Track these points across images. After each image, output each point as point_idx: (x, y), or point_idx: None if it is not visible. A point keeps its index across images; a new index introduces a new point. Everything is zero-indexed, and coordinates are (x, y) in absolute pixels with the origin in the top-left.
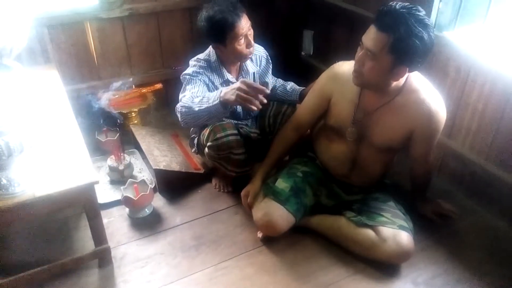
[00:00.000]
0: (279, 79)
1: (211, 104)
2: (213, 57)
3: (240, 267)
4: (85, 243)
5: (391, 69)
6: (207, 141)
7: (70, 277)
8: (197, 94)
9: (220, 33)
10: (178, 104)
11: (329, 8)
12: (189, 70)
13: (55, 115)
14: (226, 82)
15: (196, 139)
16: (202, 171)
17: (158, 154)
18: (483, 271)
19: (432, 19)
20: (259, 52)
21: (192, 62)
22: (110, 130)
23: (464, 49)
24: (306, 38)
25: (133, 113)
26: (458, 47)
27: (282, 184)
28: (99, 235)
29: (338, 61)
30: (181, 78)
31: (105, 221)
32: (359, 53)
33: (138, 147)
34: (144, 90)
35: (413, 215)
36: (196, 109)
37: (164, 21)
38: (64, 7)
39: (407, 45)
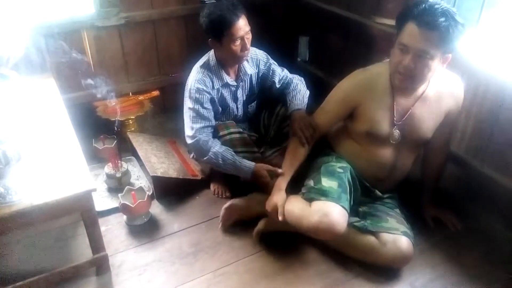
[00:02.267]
0: (287, 79)
1: (239, 173)
2: (213, 61)
3: (238, 273)
4: (83, 251)
5: (442, 60)
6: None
7: (68, 285)
8: (205, 128)
9: (217, 30)
10: (199, 145)
11: (324, 14)
12: (194, 87)
13: (52, 123)
14: (226, 86)
15: None
16: (199, 177)
17: (156, 161)
18: (480, 274)
19: None
20: (257, 55)
21: (194, 74)
22: (107, 138)
23: (457, 53)
24: (302, 44)
25: (130, 121)
26: (460, 30)
27: (328, 183)
28: (96, 243)
29: (336, 66)
30: (188, 94)
31: (102, 228)
32: (405, 57)
33: (135, 154)
34: (141, 97)
35: (413, 219)
36: (224, 168)
37: (160, 28)
38: (61, 16)
39: (457, 34)
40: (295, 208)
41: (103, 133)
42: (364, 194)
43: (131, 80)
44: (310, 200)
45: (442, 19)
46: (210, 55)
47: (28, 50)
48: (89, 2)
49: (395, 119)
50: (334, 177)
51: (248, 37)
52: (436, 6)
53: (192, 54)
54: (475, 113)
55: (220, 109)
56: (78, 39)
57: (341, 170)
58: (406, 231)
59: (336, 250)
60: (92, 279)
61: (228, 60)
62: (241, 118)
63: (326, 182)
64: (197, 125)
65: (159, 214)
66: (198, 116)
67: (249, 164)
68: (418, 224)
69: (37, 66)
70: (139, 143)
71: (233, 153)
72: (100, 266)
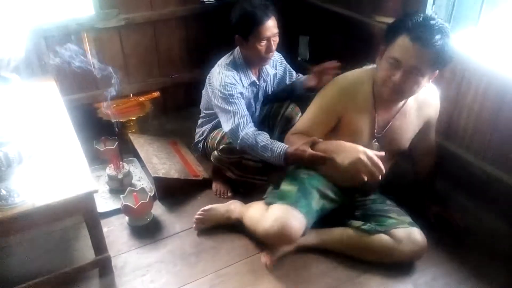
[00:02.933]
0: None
1: (273, 156)
2: (239, 60)
3: (240, 274)
4: (85, 252)
5: (430, 77)
6: (219, 144)
7: (70, 287)
8: (244, 116)
9: (245, 27)
10: (238, 132)
11: (323, 14)
12: (223, 83)
13: (54, 125)
14: (252, 85)
15: (201, 143)
16: (201, 178)
17: (157, 162)
18: (483, 272)
19: None
20: (274, 56)
21: (222, 71)
22: (109, 139)
23: (458, 51)
24: (302, 43)
25: (131, 122)
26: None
27: (287, 186)
28: (99, 244)
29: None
30: (218, 93)
31: (105, 230)
32: (396, 72)
33: (136, 155)
34: (141, 98)
35: (415, 219)
36: (259, 152)
37: (160, 30)
38: (61, 17)
39: (450, 54)
40: (254, 213)
41: (104, 134)
42: (348, 200)
43: (131, 81)
44: (268, 204)
45: (438, 36)
46: (235, 54)
47: (28, 52)
48: (89, 4)
49: (375, 131)
50: (296, 181)
51: (275, 40)
52: (432, 22)
53: (192, 55)
54: (476, 112)
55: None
56: (78, 40)
57: (305, 176)
58: (411, 221)
59: (353, 257)
60: (95, 281)
61: (252, 60)
62: (255, 119)
63: (286, 186)
64: (236, 117)
65: (161, 215)
66: (235, 108)
67: (281, 145)
68: (420, 223)
69: (37, 68)
70: (140, 144)
71: (267, 137)
72: (102, 267)
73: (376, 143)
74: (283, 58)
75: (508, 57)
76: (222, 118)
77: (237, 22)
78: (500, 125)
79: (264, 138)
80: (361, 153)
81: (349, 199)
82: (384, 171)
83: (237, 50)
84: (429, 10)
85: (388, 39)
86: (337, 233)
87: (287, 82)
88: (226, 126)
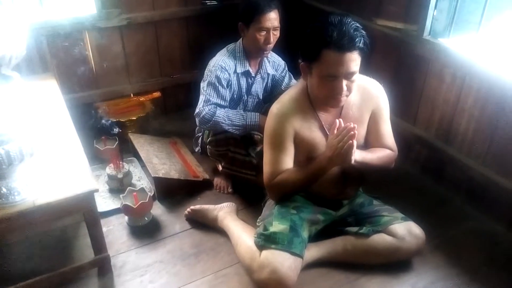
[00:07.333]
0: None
1: (248, 120)
2: (239, 48)
3: (239, 275)
4: (85, 251)
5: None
6: (207, 137)
7: (69, 286)
8: (211, 102)
9: (248, 14)
10: (207, 110)
11: (322, 15)
12: (216, 66)
13: (55, 124)
14: (245, 74)
15: (200, 138)
16: (200, 178)
17: (157, 162)
18: (482, 276)
19: (427, 26)
20: (278, 60)
21: (220, 55)
22: (109, 139)
23: (459, 55)
24: None
25: (131, 122)
26: (454, 53)
27: (279, 226)
28: (98, 243)
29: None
30: (209, 72)
31: (104, 229)
32: (335, 83)
33: (136, 155)
34: (142, 98)
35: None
36: (233, 123)
37: (161, 30)
38: (63, 16)
39: (368, 40)
40: (244, 253)
41: (105, 134)
42: (336, 208)
43: (132, 81)
44: (260, 247)
45: (357, 34)
46: (237, 43)
47: (30, 51)
48: (91, 3)
49: (329, 134)
50: (286, 219)
51: (275, 34)
52: (345, 26)
53: (193, 56)
54: (476, 116)
55: (235, 97)
56: (80, 39)
57: (294, 211)
58: (403, 216)
59: (355, 263)
60: (93, 280)
61: (251, 50)
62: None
63: (277, 226)
64: (211, 99)
65: (160, 215)
66: (215, 92)
67: (254, 115)
68: (412, 218)
69: (38, 67)
70: (141, 144)
71: (233, 111)
72: (102, 267)
73: None
74: (286, 66)
75: (510, 63)
76: (200, 99)
77: (242, 9)
78: (500, 130)
79: (233, 112)
80: (328, 151)
81: (337, 211)
82: (354, 145)
83: (239, 40)
84: (431, 14)
85: (312, 58)
86: (340, 243)
87: (282, 87)
88: (196, 109)
